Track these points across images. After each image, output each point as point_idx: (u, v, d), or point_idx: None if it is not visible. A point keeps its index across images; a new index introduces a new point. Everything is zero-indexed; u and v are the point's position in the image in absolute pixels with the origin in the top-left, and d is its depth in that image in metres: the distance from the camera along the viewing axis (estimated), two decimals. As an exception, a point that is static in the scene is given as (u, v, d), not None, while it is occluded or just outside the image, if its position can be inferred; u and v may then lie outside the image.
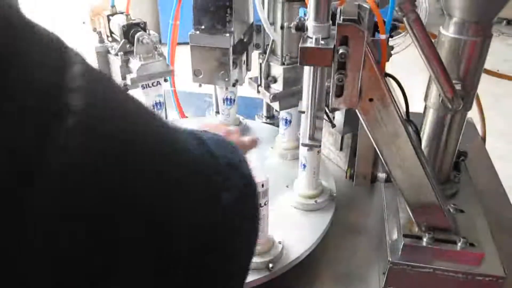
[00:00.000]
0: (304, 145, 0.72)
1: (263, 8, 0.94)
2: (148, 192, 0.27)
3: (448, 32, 0.80)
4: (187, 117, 1.42)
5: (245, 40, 1.06)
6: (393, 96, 0.68)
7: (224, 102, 1.19)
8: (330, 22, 0.67)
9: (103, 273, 0.25)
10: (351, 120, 1.03)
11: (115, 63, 1.09)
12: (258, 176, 0.71)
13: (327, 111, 0.82)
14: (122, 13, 1.11)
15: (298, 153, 0.93)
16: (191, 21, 0.93)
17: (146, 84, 1.10)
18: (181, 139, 0.35)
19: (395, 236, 0.81)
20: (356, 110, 0.69)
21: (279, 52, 0.94)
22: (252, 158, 1.11)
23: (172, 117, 1.39)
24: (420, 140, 0.87)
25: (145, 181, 0.27)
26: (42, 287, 0.23)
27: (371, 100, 0.68)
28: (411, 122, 0.79)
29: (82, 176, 0.23)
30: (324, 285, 0.84)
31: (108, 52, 1.12)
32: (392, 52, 0.76)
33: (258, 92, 1.00)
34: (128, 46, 1.07)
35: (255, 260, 0.77)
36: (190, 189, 0.32)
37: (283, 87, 0.95)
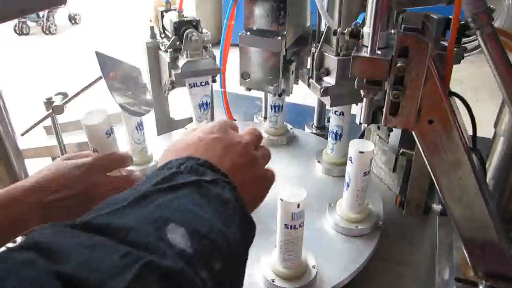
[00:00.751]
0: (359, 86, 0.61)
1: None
2: None
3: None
4: (235, 120, 1.38)
5: (297, 47, 0.99)
6: (457, 119, 0.59)
7: (272, 109, 1.13)
8: (391, 30, 0.59)
9: None
10: (408, 139, 0.93)
11: (165, 59, 1.07)
12: (295, 195, 0.65)
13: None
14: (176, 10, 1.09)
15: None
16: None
17: (193, 83, 1.07)
18: None
19: (446, 277, 0.71)
20: (413, 132, 0.61)
21: (334, 41, 0.82)
22: (294, 172, 1.08)
23: (219, 118, 1.35)
24: (485, 171, 0.76)
25: None
26: None
27: (430, 122, 0.59)
28: (476, 150, 0.69)
29: None
30: (359, 320, 0.75)
31: (159, 48, 1.10)
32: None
33: (309, 85, 0.91)
34: (178, 43, 1.04)
35: (286, 285, 0.70)
36: None
37: (336, 80, 0.84)
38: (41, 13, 5.47)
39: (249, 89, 0.94)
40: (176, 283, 0.30)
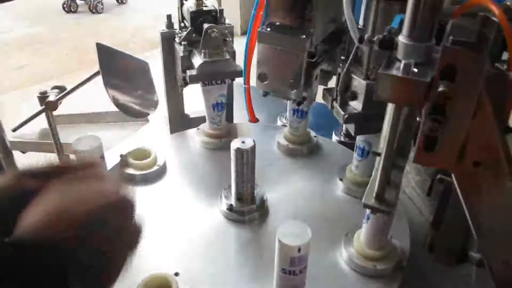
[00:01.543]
0: (366, 206, 0.52)
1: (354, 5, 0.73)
2: None
3: None
4: (258, 120, 1.26)
5: (327, 45, 0.86)
6: (513, 162, 0.45)
7: (294, 114, 1.00)
8: (434, 41, 0.45)
9: None
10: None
11: (179, 52, 0.97)
12: (297, 236, 0.53)
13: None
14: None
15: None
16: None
17: (208, 82, 0.96)
18: None
19: None
20: (452, 174, 0.48)
21: (365, 61, 0.72)
22: (310, 189, 0.95)
23: (241, 120, 1.24)
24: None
25: None
26: None
27: (477, 164, 0.45)
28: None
29: None
30: None
31: (174, 38, 1.00)
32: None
33: (332, 108, 0.79)
34: (194, 35, 0.94)
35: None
36: None
37: (363, 106, 0.73)
38: (89, -8, 5.54)
39: (266, 94, 0.82)
40: None
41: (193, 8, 0.93)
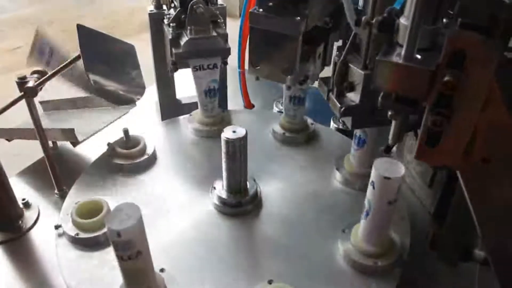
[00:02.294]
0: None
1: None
2: None
3: None
4: (253, 106, 1.21)
5: (326, 25, 0.81)
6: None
7: (290, 101, 0.96)
8: (441, 24, 0.41)
9: None
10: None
11: (168, 34, 0.91)
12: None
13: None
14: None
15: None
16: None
17: (200, 66, 0.91)
18: None
19: None
20: (457, 171, 0.43)
21: (363, 49, 0.66)
22: (306, 179, 0.89)
23: (235, 106, 1.19)
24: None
25: None
26: None
27: (486, 161, 0.41)
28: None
29: None
30: None
31: (162, 20, 0.94)
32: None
33: (328, 99, 0.75)
34: (183, 16, 0.88)
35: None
36: None
37: (361, 98, 0.68)
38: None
39: (258, 78, 0.77)
40: None
41: (183, -14, 0.87)
